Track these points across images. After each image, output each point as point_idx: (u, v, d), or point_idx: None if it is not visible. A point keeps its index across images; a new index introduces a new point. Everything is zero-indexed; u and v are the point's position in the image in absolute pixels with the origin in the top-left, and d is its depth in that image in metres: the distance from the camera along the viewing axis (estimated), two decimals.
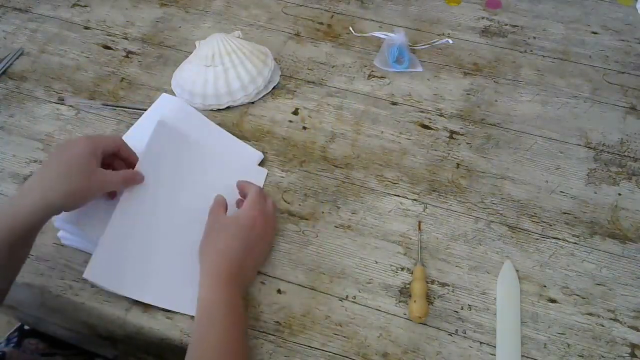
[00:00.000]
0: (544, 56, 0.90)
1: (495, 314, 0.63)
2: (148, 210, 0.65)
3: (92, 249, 0.65)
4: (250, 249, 0.61)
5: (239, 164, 0.73)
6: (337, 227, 0.69)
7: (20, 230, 0.53)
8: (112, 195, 0.65)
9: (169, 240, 0.64)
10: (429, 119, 0.81)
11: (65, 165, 0.57)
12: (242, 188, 0.67)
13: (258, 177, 0.73)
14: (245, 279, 0.61)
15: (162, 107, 0.75)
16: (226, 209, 0.65)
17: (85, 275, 0.58)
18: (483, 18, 0.96)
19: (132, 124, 0.76)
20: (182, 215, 0.66)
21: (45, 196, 0.55)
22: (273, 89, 0.84)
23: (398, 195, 0.72)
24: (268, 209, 0.65)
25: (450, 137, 0.79)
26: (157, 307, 0.62)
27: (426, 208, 0.71)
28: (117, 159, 0.65)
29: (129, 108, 0.81)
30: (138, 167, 0.65)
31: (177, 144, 0.70)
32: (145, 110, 0.77)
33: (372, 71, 0.87)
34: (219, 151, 0.73)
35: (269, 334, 0.61)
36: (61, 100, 0.83)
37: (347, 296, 0.64)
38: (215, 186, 0.68)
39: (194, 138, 0.72)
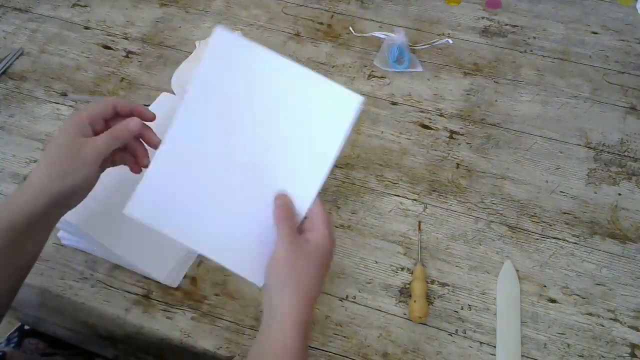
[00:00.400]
0: (544, 56, 0.90)
1: (495, 314, 0.63)
2: (204, 144, 0.54)
3: (92, 249, 0.65)
4: (322, 281, 0.51)
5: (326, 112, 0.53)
6: (337, 227, 0.69)
7: (21, 223, 0.50)
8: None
9: (224, 187, 0.54)
10: (429, 119, 0.81)
11: (53, 147, 0.51)
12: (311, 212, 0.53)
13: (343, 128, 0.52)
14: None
15: (162, 107, 0.75)
16: (295, 224, 0.52)
17: (125, 211, 0.52)
18: (483, 18, 0.96)
19: None
20: (243, 160, 0.54)
21: (41, 183, 0.50)
22: None
23: (398, 195, 0.72)
24: (334, 233, 0.54)
25: (450, 137, 0.79)
26: (158, 307, 0.62)
27: (426, 208, 0.71)
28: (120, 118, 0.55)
29: None
30: (191, 87, 0.54)
31: (245, 64, 0.54)
32: (146, 106, 0.77)
33: (372, 71, 0.87)
34: (301, 91, 0.54)
35: None
36: (64, 95, 0.83)
37: (347, 296, 0.64)
38: (287, 137, 0.53)
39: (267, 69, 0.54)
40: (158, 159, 0.53)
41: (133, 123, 0.53)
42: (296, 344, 0.47)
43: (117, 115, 0.55)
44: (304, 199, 0.52)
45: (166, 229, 0.53)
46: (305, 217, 0.52)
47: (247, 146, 0.53)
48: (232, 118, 0.54)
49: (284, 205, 0.51)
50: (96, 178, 0.54)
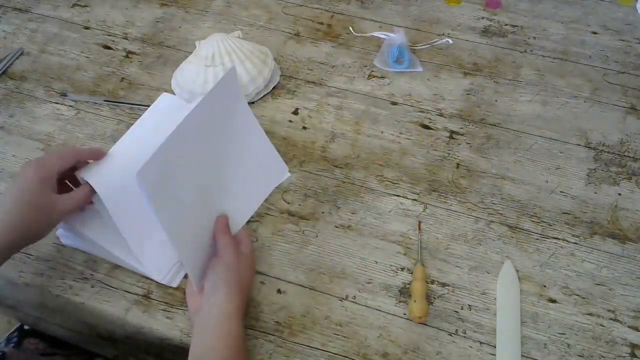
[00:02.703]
0: (544, 56, 0.90)
1: (495, 314, 0.63)
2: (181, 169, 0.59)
3: (92, 249, 0.65)
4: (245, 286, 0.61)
5: (262, 169, 0.71)
6: (337, 227, 0.69)
7: None
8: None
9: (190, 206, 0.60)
10: (429, 119, 0.81)
11: (16, 202, 0.53)
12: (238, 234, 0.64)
13: (271, 185, 0.72)
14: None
15: (162, 106, 0.75)
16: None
17: (137, 175, 0.52)
18: (483, 18, 0.96)
19: (132, 124, 0.76)
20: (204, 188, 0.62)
21: (5, 234, 0.52)
22: (273, 89, 0.84)
23: (398, 195, 0.72)
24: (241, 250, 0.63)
25: (450, 137, 0.79)
26: (158, 307, 0.62)
27: (426, 208, 0.71)
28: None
29: (130, 104, 0.81)
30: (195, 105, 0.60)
31: (232, 107, 0.65)
32: (147, 106, 0.77)
33: (372, 71, 0.87)
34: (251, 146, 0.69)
35: (269, 334, 0.61)
36: (64, 95, 0.83)
37: (347, 296, 0.64)
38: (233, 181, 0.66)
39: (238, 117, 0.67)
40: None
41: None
42: (238, 329, 0.55)
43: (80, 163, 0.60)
44: (239, 221, 0.68)
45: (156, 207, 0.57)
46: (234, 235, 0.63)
47: (206, 177, 0.63)
48: (206, 150, 0.62)
49: (227, 223, 0.63)
50: (57, 226, 0.59)
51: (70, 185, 0.61)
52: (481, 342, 0.61)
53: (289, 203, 0.71)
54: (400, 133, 0.79)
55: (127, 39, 0.92)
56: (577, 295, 0.64)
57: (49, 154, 0.60)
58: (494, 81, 0.86)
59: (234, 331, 0.54)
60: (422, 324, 0.62)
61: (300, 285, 0.64)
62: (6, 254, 0.54)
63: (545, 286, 0.65)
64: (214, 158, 0.63)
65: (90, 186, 0.58)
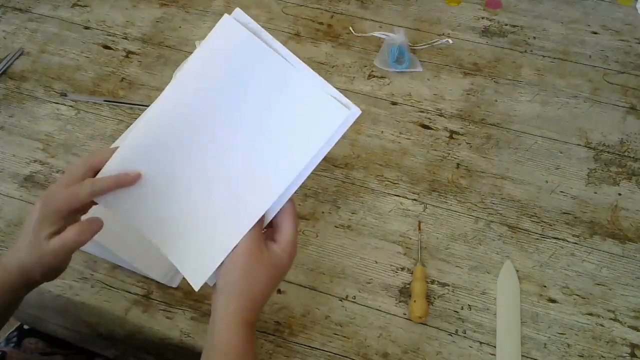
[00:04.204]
0: (544, 56, 0.90)
1: (495, 314, 0.63)
2: (184, 127, 0.52)
3: (92, 249, 0.65)
4: (274, 290, 0.52)
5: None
6: (337, 227, 0.69)
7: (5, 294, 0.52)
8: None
9: (192, 173, 0.52)
10: (429, 119, 0.81)
11: (24, 239, 0.51)
12: (277, 220, 0.51)
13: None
14: None
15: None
16: (262, 227, 0.50)
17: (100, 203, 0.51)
18: (483, 18, 0.96)
19: (131, 124, 0.76)
20: (217, 153, 0.51)
21: (15, 272, 0.51)
22: None
23: (398, 195, 0.72)
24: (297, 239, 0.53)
25: (450, 137, 0.79)
26: (158, 307, 0.62)
27: (426, 208, 0.71)
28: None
29: (130, 104, 0.81)
30: (185, 66, 0.52)
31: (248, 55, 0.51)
32: (147, 106, 0.77)
33: (372, 71, 0.87)
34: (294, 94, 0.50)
35: (269, 334, 0.61)
36: (64, 95, 0.83)
37: (347, 296, 0.64)
38: (266, 138, 0.50)
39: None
40: (135, 136, 0.52)
41: (96, 226, 0.52)
42: (242, 343, 0.48)
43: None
44: (269, 203, 0.49)
45: (132, 221, 0.52)
46: (272, 224, 0.50)
47: (224, 138, 0.51)
48: (214, 107, 0.51)
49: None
50: (68, 262, 0.54)
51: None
52: (481, 342, 0.61)
53: None
54: (400, 133, 0.79)
55: (127, 39, 0.92)
56: (577, 295, 0.64)
57: (58, 186, 0.51)
58: (494, 81, 0.86)
59: (232, 341, 0.48)
60: (422, 324, 0.62)
61: (300, 285, 0.64)
62: (17, 293, 0.53)
63: (545, 286, 0.65)
64: (226, 124, 0.51)
65: (84, 224, 0.51)
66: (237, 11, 0.51)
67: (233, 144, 0.51)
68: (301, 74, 0.49)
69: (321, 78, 0.49)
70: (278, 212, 0.50)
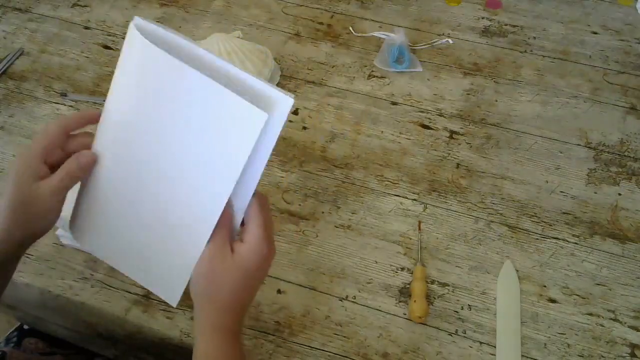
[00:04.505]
0: (544, 56, 0.90)
1: (495, 314, 0.63)
2: (120, 154, 0.51)
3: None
4: (256, 289, 0.51)
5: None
6: (337, 227, 0.69)
7: None
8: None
9: (140, 199, 0.51)
10: (429, 119, 0.81)
11: (9, 194, 0.49)
12: (245, 219, 0.50)
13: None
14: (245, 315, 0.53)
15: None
16: (232, 231, 0.49)
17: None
18: (483, 18, 0.96)
19: None
20: (153, 171, 0.50)
21: (4, 233, 0.49)
22: None
23: (398, 195, 0.72)
24: (272, 235, 0.50)
25: (450, 137, 0.79)
26: (157, 307, 0.62)
27: (426, 208, 0.71)
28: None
29: None
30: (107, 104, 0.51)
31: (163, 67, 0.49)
32: None
33: (372, 71, 0.87)
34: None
35: (269, 334, 0.61)
36: (64, 95, 0.83)
37: (347, 296, 0.64)
38: (197, 151, 0.48)
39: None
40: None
41: (84, 159, 0.50)
42: (216, 349, 0.47)
43: (71, 136, 0.52)
44: (219, 210, 0.47)
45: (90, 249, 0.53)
46: (243, 225, 0.49)
47: (161, 155, 0.49)
48: (143, 128, 0.50)
49: (222, 222, 0.48)
50: (60, 208, 0.51)
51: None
52: (481, 342, 0.61)
53: (289, 203, 0.71)
54: (400, 133, 0.79)
55: None
56: (577, 295, 0.64)
57: (34, 138, 0.51)
58: (494, 81, 0.86)
59: (208, 349, 0.48)
60: (422, 324, 0.62)
61: (300, 285, 0.64)
62: (11, 254, 0.51)
63: (545, 286, 0.65)
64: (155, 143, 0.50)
65: (79, 156, 0.50)
66: (136, 19, 0.47)
67: (172, 159, 0.49)
68: (208, 83, 0.46)
69: (244, 75, 0.45)
70: (246, 210, 0.48)
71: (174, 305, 0.51)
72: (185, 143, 0.48)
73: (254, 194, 0.47)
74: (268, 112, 0.43)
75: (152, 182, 0.50)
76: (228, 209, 0.48)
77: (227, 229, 0.48)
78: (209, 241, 0.48)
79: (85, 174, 0.51)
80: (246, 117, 0.44)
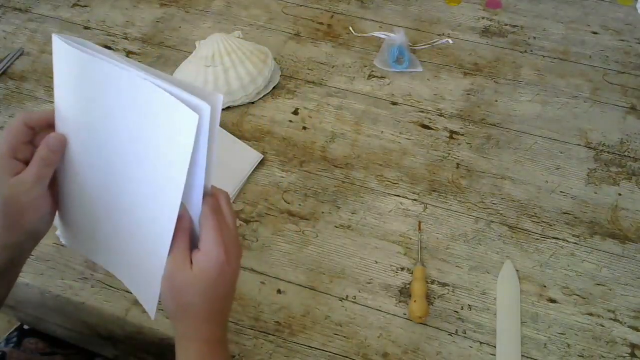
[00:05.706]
0: (544, 56, 0.90)
1: (495, 314, 0.63)
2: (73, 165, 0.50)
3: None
4: (228, 294, 0.50)
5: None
6: (337, 227, 0.69)
7: None
8: None
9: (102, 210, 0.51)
10: (429, 119, 0.81)
11: None
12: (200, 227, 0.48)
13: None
14: (226, 320, 0.52)
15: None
16: (192, 238, 0.48)
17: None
18: (483, 18, 0.96)
19: None
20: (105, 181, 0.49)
21: None
22: (273, 89, 0.84)
23: (398, 195, 0.72)
24: (232, 234, 0.48)
25: (450, 137, 0.79)
26: (157, 307, 0.62)
27: (426, 208, 0.71)
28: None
29: None
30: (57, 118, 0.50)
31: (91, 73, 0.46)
32: None
33: (372, 71, 0.87)
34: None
35: (269, 334, 0.61)
36: None
37: (347, 296, 0.64)
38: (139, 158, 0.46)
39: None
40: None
41: (53, 140, 0.48)
42: (185, 356, 0.47)
43: (35, 131, 0.50)
44: (173, 221, 0.46)
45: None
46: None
47: (106, 169, 0.48)
48: (87, 137, 0.49)
49: (181, 226, 0.46)
50: (50, 203, 0.50)
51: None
52: (481, 342, 0.61)
53: (289, 203, 0.71)
54: (400, 133, 0.79)
55: (127, 39, 0.92)
56: (577, 295, 0.64)
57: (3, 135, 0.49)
58: (494, 81, 0.86)
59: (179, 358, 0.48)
60: (422, 324, 0.62)
61: (300, 285, 0.64)
62: (7, 259, 0.51)
63: (545, 286, 0.65)
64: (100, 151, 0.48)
65: (48, 139, 0.48)
66: (57, 35, 0.46)
67: (121, 166, 0.48)
68: (138, 81, 0.43)
69: (162, 77, 0.43)
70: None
71: (152, 317, 0.51)
72: (129, 151, 0.46)
73: (204, 197, 0.46)
74: (198, 112, 0.41)
75: (110, 190, 0.49)
76: (185, 214, 0.46)
77: (186, 236, 0.47)
78: (169, 253, 0.46)
79: (58, 156, 0.49)
80: (178, 117, 0.42)
